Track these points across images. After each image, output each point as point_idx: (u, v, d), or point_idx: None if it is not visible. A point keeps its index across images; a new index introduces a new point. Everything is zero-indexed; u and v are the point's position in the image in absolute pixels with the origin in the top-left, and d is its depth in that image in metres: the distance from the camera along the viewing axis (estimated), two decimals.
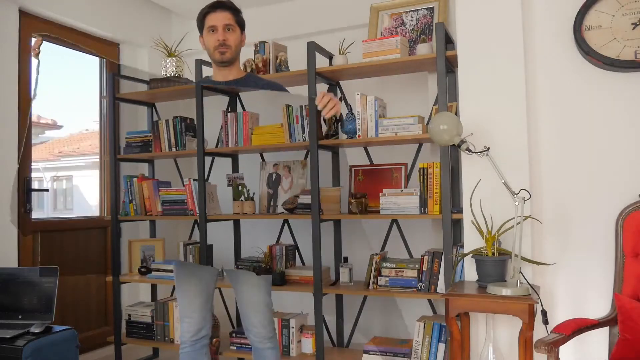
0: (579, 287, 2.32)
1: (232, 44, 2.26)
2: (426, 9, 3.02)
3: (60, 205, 4.27)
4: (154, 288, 3.65)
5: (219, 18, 2.22)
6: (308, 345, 2.95)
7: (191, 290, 2.26)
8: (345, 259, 3.05)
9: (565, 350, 2.11)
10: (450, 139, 2.20)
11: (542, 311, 2.05)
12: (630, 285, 2.09)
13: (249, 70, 3.05)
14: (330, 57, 3.08)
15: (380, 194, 2.76)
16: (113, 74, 3.44)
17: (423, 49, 2.74)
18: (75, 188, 4.16)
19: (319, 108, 1.98)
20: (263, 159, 3.44)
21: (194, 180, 3.19)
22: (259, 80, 2.45)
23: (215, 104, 3.51)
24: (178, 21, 3.98)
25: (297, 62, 3.16)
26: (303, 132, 2.99)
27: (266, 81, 2.49)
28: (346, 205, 3.07)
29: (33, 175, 3.13)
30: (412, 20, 3.05)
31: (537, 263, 2.21)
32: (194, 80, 3.17)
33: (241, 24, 2.31)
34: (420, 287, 2.65)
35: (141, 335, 3.37)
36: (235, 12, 2.29)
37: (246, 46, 3.29)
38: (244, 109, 3.56)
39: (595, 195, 2.30)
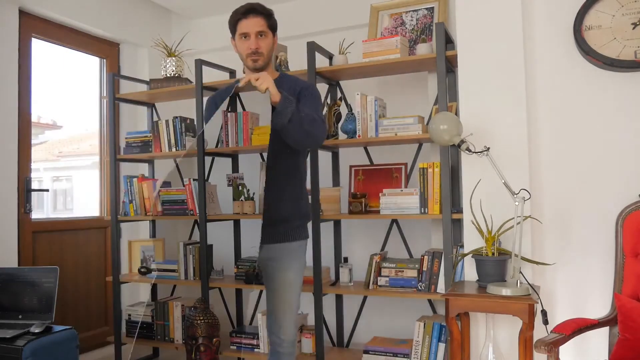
0: (579, 287, 2.33)
1: (264, 50, 2.15)
2: (426, 9, 3.02)
3: (60, 205, 4.26)
4: (154, 288, 3.65)
5: (251, 25, 2.11)
6: (308, 345, 2.95)
7: None
8: (345, 259, 3.05)
9: (565, 350, 2.11)
10: (450, 139, 2.20)
11: (542, 311, 2.05)
12: (630, 285, 2.09)
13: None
14: (330, 57, 3.08)
15: (380, 194, 2.76)
16: (113, 74, 3.44)
17: (423, 49, 2.74)
18: (75, 188, 4.15)
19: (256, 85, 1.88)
20: (263, 159, 3.44)
21: (194, 180, 3.19)
22: (291, 80, 2.26)
23: None
24: (178, 21, 3.98)
25: (297, 62, 3.16)
26: None
27: (296, 80, 2.25)
28: (346, 205, 3.07)
29: (33, 175, 3.13)
30: (412, 20, 3.05)
31: (537, 263, 2.21)
32: (194, 81, 3.17)
33: (274, 28, 2.19)
34: (420, 287, 2.65)
35: (141, 335, 3.37)
36: (268, 16, 2.16)
37: None
38: (244, 109, 3.56)
39: (595, 195, 2.30)
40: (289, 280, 2.18)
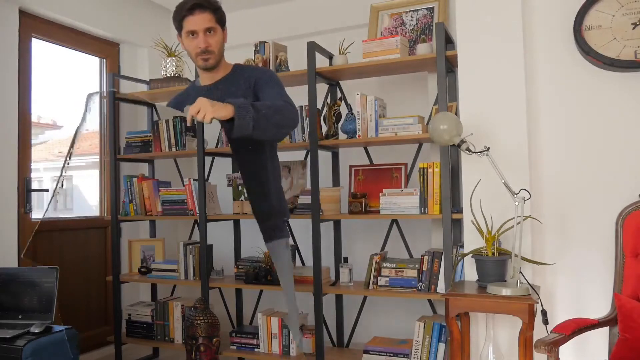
0: (579, 287, 2.33)
1: (215, 48, 2.03)
2: (426, 9, 3.02)
3: (60, 205, 4.26)
4: (154, 288, 3.66)
5: (199, 21, 1.96)
6: (308, 345, 2.94)
7: None
8: (345, 259, 3.05)
9: (565, 350, 2.11)
10: (450, 139, 2.20)
11: (542, 311, 2.05)
12: (630, 285, 2.09)
13: None
14: (330, 57, 3.08)
15: (380, 194, 2.76)
16: (113, 74, 3.44)
17: (423, 49, 2.74)
18: (75, 188, 4.15)
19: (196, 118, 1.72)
20: None
21: (194, 180, 3.19)
22: (245, 71, 2.16)
23: None
24: None
25: (297, 62, 3.16)
26: (303, 132, 2.99)
27: (250, 70, 2.17)
28: (346, 205, 3.07)
29: (33, 175, 3.13)
30: (412, 20, 3.05)
31: (537, 263, 2.21)
32: (194, 80, 3.16)
33: (222, 22, 2.05)
34: (420, 287, 2.65)
35: (141, 335, 3.37)
36: (215, 10, 2.01)
37: (246, 46, 3.32)
38: None
39: (595, 195, 2.30)
40: None
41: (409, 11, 3.07)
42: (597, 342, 2.23)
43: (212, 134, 3.55)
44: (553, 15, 2.38)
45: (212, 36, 2.02)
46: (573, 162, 2.34)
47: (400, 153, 3.14)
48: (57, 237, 3.28)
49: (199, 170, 3.11)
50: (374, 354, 2.74)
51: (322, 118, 3.05)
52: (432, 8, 3.01)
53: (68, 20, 3.30)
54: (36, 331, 2.33)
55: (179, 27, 2.03)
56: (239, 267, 3.18)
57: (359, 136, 2.78)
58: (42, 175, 3.76)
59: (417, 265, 2.68)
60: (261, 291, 3.51)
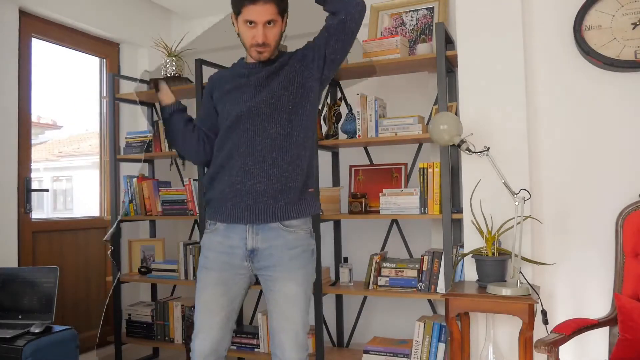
0: (579, 287, 2.33)
1: (272, 42, 1.83)
2: (426, 9, 3.02)
3: (60, 205, 4.27)
4: (154, 288, 3.66)
5: (261, 13, 1.77)
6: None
7: (215, 301, 1.82)
8: (345, 259, 3.05)
9: (565, 350, 2.12)
10: (450, 139, 2.20)
11: (542, 311, 2.05)
12: (630, 285, 2.09)
13: None
14: None
15: (380, 194, 2.76)
16: (113, 74, 3.44)
17: (423, 49, 2.74)
18: (75, 188, 4.16)
19: None
20: None
21: (194, 180, 3.19)
22: (287, 54, 1.98)
23: None
24: (178, 21, 3.98)
25: None
26: None
27: (292, 53, 1.99)
28: (346, 205, 3.07)
29: (33, 175, 3.13)
30: (412, 20, 3.05)
31: (537, 263, 2.21)
32: (194, 80, 3.16)
33: (285, 11, 1.85)
34: (420, 287, 2.65)
35: (141, 335, 3.37)
36: (280, 1, 1.80)
37: None
38: None
39: (595, 195, 2.30)
40: None
41: (409, 11, 3.07)
42: (597, 342, 2.23)
43: None
44: (553, 15, 2.38)
45: (272, 28, 1.83)
46: (573, 161, 2.34)
47: (400, 153, 3.13)
48: (57, 238, 3.28)
49: (199, 170, 3.11)
50: (374, 354, 2.74)
51: (322, 118, 3.05)
52: (432, 8, 3.01)
53: (68, 20, 3.30)
54: (36, 331, 2.33)
55: (237, 10, 1.83)
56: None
57: (359, 136, 2.78)
58: (42, 175, 3.77)
59: (417, 265, 2.68)
60: (261, 291, 3.50)
